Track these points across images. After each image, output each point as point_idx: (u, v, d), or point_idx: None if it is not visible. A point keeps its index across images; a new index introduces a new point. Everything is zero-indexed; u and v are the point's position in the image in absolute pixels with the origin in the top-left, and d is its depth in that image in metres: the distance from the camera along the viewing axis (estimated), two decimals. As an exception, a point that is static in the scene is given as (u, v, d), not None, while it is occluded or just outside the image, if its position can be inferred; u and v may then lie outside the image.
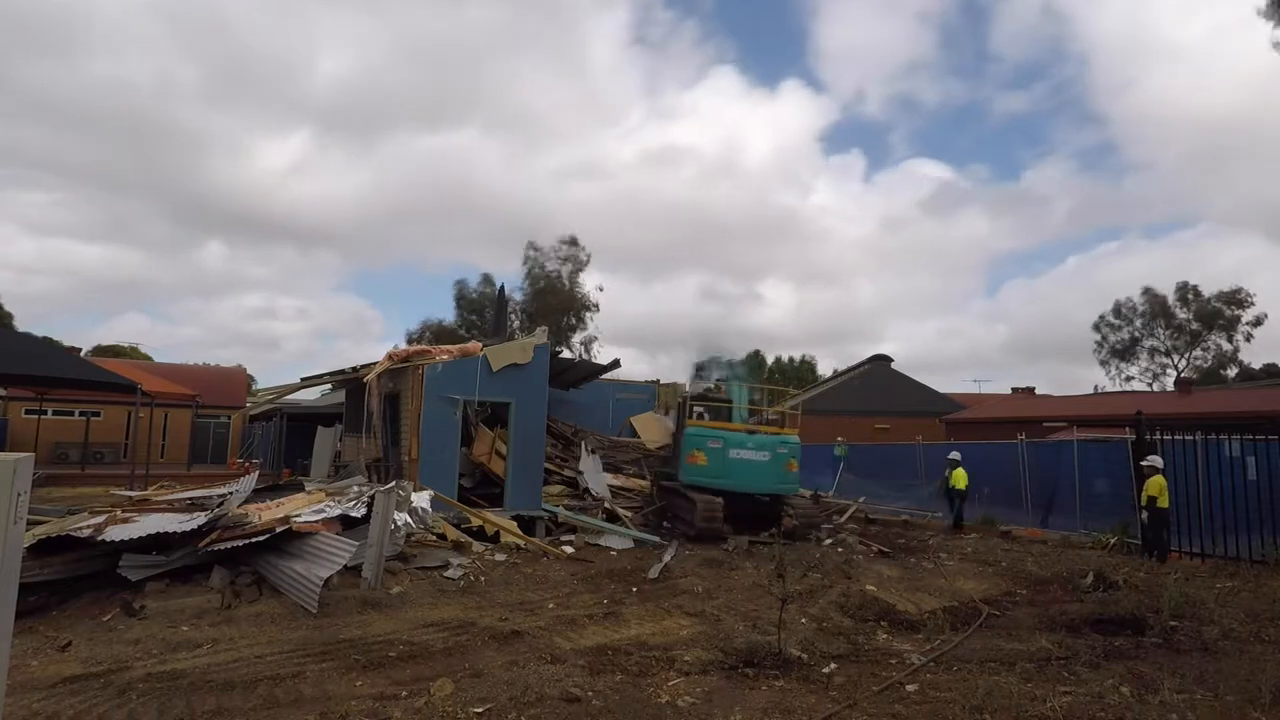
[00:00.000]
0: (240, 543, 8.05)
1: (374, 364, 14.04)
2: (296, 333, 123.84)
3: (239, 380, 39.76)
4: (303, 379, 18.85)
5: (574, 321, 44.86)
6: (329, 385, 19.74)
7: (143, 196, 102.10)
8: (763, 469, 13.51)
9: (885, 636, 6.85)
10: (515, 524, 11.87)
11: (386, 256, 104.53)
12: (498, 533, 11.28)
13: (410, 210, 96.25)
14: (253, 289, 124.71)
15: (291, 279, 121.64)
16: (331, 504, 9.66)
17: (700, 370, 17.88)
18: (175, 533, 8.10)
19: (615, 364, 18.81)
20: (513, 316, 45.56)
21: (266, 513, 9.28)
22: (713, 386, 17.63)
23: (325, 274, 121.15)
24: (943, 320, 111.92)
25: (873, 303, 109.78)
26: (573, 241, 45.91)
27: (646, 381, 20.48)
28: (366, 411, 14.56)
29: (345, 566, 7.75)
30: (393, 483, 9.84)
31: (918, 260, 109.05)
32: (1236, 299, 47.84)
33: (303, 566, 7.69)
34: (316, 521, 8.74)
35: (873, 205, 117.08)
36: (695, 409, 14.46)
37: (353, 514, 9.09)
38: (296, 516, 8.83)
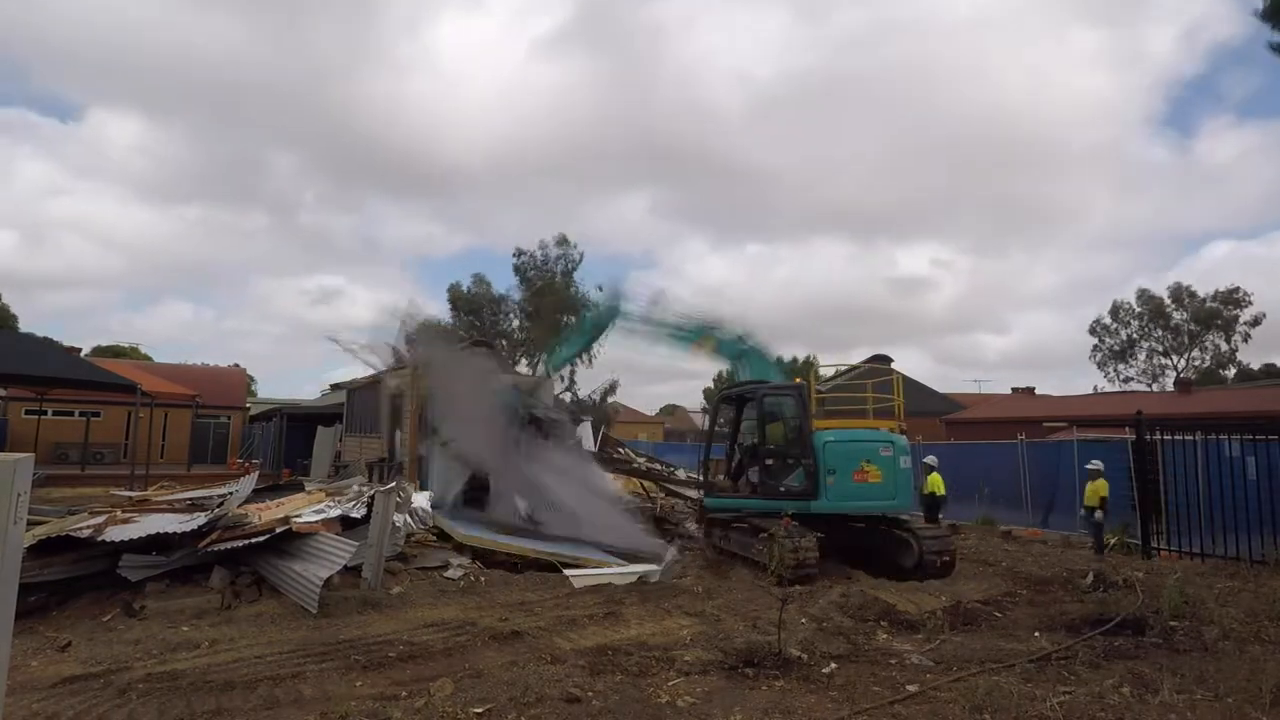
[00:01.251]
0: (240, 543, 8.04)
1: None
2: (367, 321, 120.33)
3: (239, 380, 39.78)
4: (332, 385, 18.95)
5: (573, 322, 44.80)
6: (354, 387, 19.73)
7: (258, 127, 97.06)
8: (909, 481, 10.42)
9: (885, 636, 6.84)
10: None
11: (510, 220, 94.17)
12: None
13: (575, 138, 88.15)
14: (339, 264, 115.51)
15: (387, 256, 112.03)
16: (331, 504, 9.65)
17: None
18: (175, 533, 8.10)
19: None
20: (511, 316, 45.56)
21: (266, 513, 9.28)
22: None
23: (428, 251, 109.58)
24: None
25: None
26: (563, 241, 45.88)
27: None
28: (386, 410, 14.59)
29: (345, 567, 7.74)
30: (393, 482, 9.83)
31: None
32: (1234, 299, 47.94)
33: (302, 567, 7.68)
34: (316, 522, 8.73)
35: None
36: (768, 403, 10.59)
37: (353, 514, 9.08)
38: (296, 517, 8.82)
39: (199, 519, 8.56)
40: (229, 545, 8.02)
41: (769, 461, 10.48)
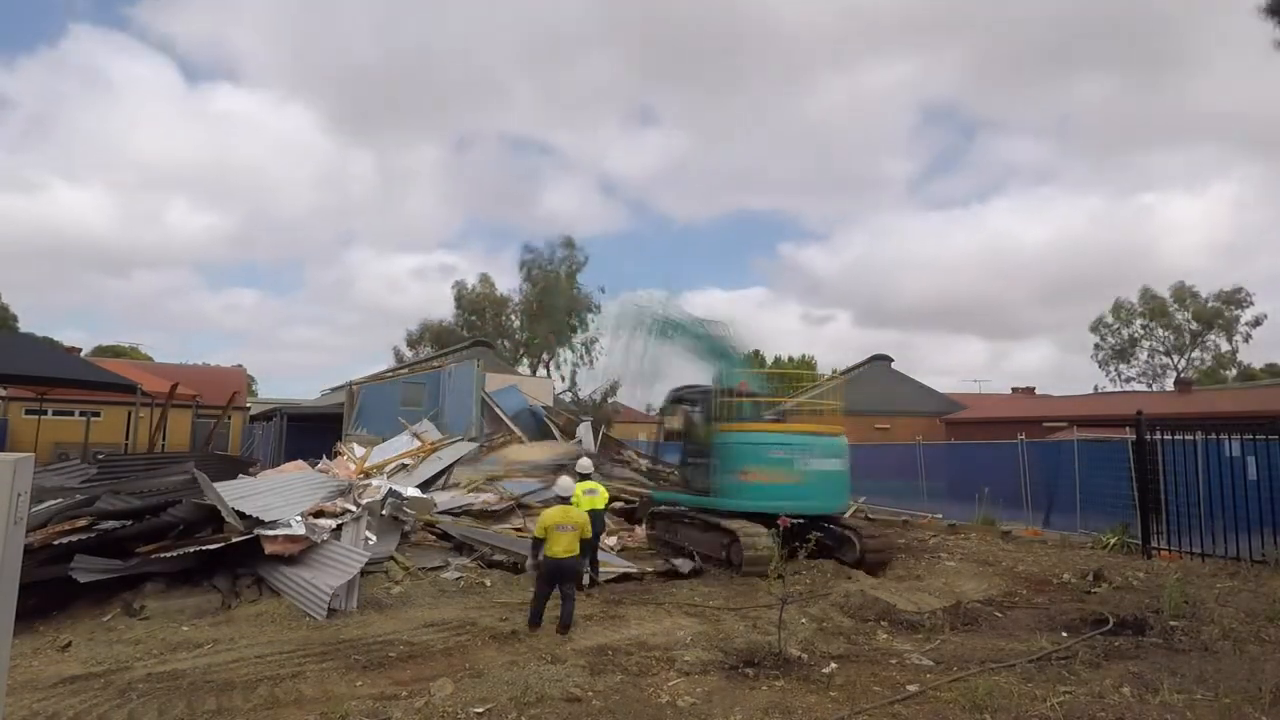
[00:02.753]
0: (194, 549, 7.76)
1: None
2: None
3: (239, 380, 39.80)
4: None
5: (575, 323, 44.78)
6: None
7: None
8: (836, 482, 10.29)
9: (885, 636, 6.84)
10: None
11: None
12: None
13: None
14: (463, 240, 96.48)
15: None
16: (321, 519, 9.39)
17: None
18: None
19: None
20: (512, 317, 45.56)
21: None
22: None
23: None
24: None
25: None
26: (569, 243, 45.89)
27: None
28: None
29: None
30: (363, 506, 9.73)
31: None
32: (1235, 299, 47.92)
33: (311, 574, 7.55)
34: (287, 537, 8.04)
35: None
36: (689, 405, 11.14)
37: (320, 537, 8.36)
38: (286, 525, 8.43)
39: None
40: (179, 551, 7.69)
41: (689, 460, 11.18)
